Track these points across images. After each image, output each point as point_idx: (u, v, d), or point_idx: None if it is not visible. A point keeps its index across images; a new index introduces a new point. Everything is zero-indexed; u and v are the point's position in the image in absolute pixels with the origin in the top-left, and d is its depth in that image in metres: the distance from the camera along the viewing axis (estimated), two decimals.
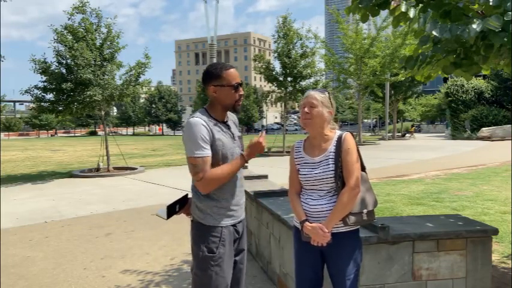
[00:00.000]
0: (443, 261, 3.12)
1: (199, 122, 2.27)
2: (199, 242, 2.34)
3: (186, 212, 2.49)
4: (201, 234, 2.34)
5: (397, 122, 43.91)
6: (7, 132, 65.46)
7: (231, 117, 2.54)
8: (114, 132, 71.05)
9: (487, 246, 3.21)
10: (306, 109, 2.41)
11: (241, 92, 2.40)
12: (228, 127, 2.44)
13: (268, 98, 22.67)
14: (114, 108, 73.34)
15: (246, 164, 2.42)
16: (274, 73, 20.59)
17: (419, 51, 3.38)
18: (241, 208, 2.47)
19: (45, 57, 13.28)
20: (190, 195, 2.50)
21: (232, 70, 2.38)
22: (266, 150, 21.60)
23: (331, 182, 2.38)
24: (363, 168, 2.48)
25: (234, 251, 2.44)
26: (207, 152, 2.26)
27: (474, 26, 2.39)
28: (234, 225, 2.41)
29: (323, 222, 2.35)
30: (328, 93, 2.46)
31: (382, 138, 36.20)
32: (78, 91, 13.09)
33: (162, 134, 70.22)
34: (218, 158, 2.31)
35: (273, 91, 21.86)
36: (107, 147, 14.49)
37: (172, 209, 2.40)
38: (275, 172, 9.30)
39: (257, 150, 2.40)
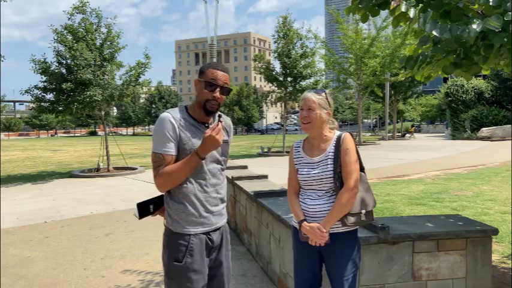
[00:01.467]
0: (443, 261, 3.12)
1: (167, 117, 2.13)
2: (166, 248, 2.19)
3: (162, 213, 2.31)
4: (169, 240, 2.18)
5: (397, 122, 43.91)
6: (7, 132, 65.55)
7: (225, 121, 2.29)
8: (114, 132, 71.07)
9: (487, 246, 3.21)
10: (304, 113, 2.42)
11: (216, 94, 2.16)
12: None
13: (268, 98, 22.68)
14: (114, 108, 73.42)
15: (202, 160, 2.16)
16: (274, 73, 20.60)
17: (419, 51, 3.38)
18: (215, 216, 2.24)
19: (45, 57, 13.33)
20: None
21: (219, 72, 2.18)
22: (266, 150, 21.59)
23: (330, 182, 2.38)
24: (362, 169, 2.47)
25: (210, 262, 2.25)
26: (168, 151, 2.11)
27: (474, 26, 2.39)
28: (207, 234, 2.21)
29: (321, 222, 2.35)
30: (325, 93, 2.46)
31: (382, 138, 36.20)
32: (78, 91, 13.11)
33: None
34: None
35: (273, 91, 21.88)
36: (107, 147, 14.50)
37: (145, 208, 2.24)
38: (275, 172, 9.30)
39: (210, 145, 2.11)
